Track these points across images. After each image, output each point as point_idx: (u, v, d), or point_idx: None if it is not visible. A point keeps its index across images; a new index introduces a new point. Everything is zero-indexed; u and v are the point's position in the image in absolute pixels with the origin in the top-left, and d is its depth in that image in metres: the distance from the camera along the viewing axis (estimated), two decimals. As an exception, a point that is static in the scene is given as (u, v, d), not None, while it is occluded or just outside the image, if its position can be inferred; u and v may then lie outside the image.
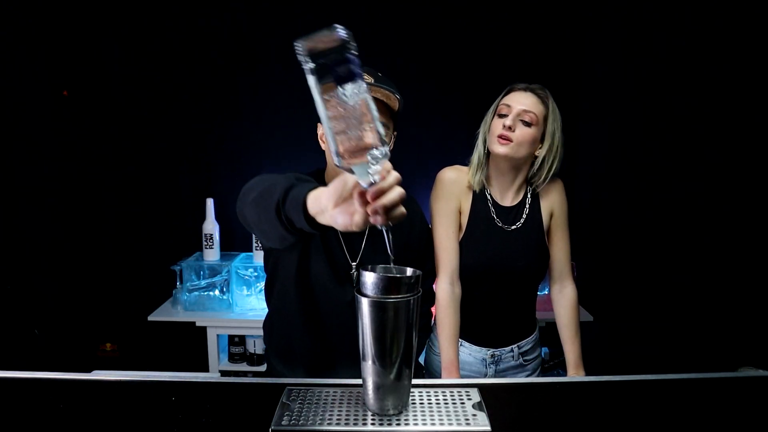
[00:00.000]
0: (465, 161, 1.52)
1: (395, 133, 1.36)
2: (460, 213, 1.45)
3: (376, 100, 1.24)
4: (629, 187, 2.51)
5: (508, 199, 1.46)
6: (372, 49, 2.63)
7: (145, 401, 1.02)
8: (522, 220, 1.45)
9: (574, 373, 1.46)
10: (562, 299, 1.51)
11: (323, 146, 1.36)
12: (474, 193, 1.46)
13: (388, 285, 0.89)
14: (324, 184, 1.32)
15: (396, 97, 1.28)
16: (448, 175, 1.46)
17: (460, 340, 1.47)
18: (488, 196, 1.45)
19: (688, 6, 2.15)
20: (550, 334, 1.90)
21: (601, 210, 2.67)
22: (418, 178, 2.74)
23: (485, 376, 1.47)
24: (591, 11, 2.62)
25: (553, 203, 1.49)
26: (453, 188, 1.44)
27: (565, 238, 1.51)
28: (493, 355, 1.46)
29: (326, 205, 0.81)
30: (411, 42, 2.67)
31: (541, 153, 1.39)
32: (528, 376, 1.52)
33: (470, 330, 1.47)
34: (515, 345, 1.48)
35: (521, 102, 1.36)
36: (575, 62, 2.67)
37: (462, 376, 1.47)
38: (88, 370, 1.20)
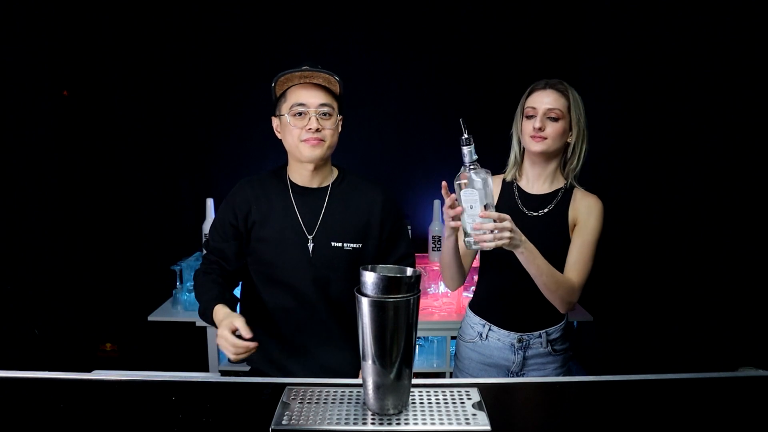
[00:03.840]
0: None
1: (341, 117, 1.47)
2: None
3: (317, 85, 1.41)
4: (629, 187, 2.51)
5: (537, 187, 1.53)
6: (371, 47, 2.65)
7: (145, 401, 1.02)
8: (547, 209, 1.50)
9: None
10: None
11: (279, 135, 1.48)
12: (504, 183, 1.56)
13: (388, 285, 0.89)
14: (285, 180, 1.50)
15: (335, 79, 1.41)
16: None
17: (488, 324, 1.53)
18: (515, 187, 1.54)
19: (688, 2, 2.15)
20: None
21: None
22: (417, 178, 2.75)
23: (513, 363, 1.50)
24: (589, 6, 2.62)
25: (582, 217, 1.46)
26: None
27: (580, 248, 1.46)
28: (521, 340, 1.49)
29: (212, 318, 1.35)
30: (410, 40, 2.67)
31: (571, 140, 1.48)
32: (558, 368, 1.52)
33: (497, 313, 1.52)
34: (543, 331, 1.50)
35: (544, 101, 1.44)
36: (573, 58, 2.67)
37: (490, 364, 1.51)
38: (88, 370, 1.20)
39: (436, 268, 2.51)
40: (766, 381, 1.13)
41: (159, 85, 2.69)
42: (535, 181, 1.53)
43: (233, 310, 1.40)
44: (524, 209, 1.51)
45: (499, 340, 1.51)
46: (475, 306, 1.59)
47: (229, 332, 1.22)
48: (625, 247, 2.53)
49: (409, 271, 0.94)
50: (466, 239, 1.24)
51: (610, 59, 2.59)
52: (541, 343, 1.50)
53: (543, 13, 2.64)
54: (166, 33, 2.65)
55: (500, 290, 1.52)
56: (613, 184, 2.60)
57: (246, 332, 1.22)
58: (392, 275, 0.91)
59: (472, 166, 1.20)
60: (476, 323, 1.55)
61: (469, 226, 1.22)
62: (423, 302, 2.37)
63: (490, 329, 1.52)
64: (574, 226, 1.49)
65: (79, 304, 2.64)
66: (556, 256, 1.46)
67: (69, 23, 2.54)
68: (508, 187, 1.56)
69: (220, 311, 1.32)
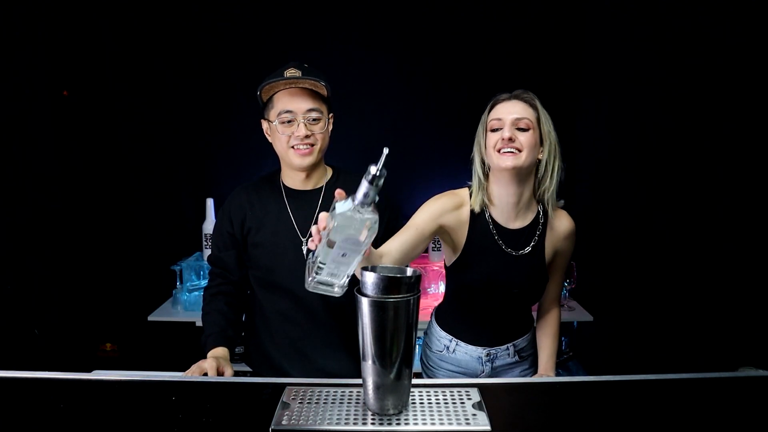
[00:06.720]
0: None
1: (331, 115, 1.47)
2: (442, 233, 1.39)
3: (304, 90, 1.39)
4: (629, 187, 2.51)
5: (512, 220, 1.39)
6: (372, 46, 2.65)
7: (145, 401, 1.02)
8: (529, 247, 1.39)
9: (543, 371, 1.47)
10: (546, 324, 1.53)
11: (269, 138, 1.47)
12: (472, 215, 1.38)
13: (388, 285, 0.89)
14: (279, 185, 1.49)
15: (321, 84, 1.39)
16: (439, 204, 1.38)
17: (455, 340, 1.47)
18: (489, 219, 1.38)
19: (689, 2, 2.15)
20: (563, 328, 1.89)
21: (601, 210, 2.67)
22: (417, 178, 2.75)
23: (481, 373, 1.47)
24: (590, 9, 2.62)
25: (560, 244, 1.44)
26: (439, 217, 1.36)
27: (562, 276, 1.52)
28: (489, 354, 1.46)
29: (207, 355, 1.33)
30: (411, 40, 2.67)
31: (543, 156, 1.34)
32: (525, 370, 1.52)
33: (466, 331, 1.47)
34: (511, 344, 1.48)
35: (511, 111, 1.31)
36: (574, 61, 2.67)
37: (458, 375, 1.48)
38: (88, 370, 1.20)
39: (437, 267, 2.51)
40: (766, 381, 1.13)
41: (159, 85, 2.69)
42: (512, 210, 1.37)
43: (237, 337, 1.43)
44: (503, 246, 1.38)
45: (467, 353, 1.47)
46: (441, 320, 1.53)
47: (212, 374, 1.22)
48: (625, 248, 2.53)
49: (409, 271, 0.94)
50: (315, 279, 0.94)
51: (612, 61, 2.59)
52: (509, 354, 1.47)
53: (544, 14, 2.64)
54: (166, 33, 2.65)
55: (467, 309, 1.46)
56: (614, 185, 2.60)
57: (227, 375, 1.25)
58: (392, 275, 0.90)
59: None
60: (443, 337, 1.50)
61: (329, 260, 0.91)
62: (423, 302, 2.37)
63: (457, 344, 1.48)
64: (553, 254, 1.44)
65: (79, 304, 2.64)
66: (531, 295, 1.45)
67: (69, 23, 2.54)
68: (480, 220, 1.38)
69: (217, 352, 1.33)
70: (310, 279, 0.94)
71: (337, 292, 0.95)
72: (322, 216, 0.92)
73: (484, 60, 2.66)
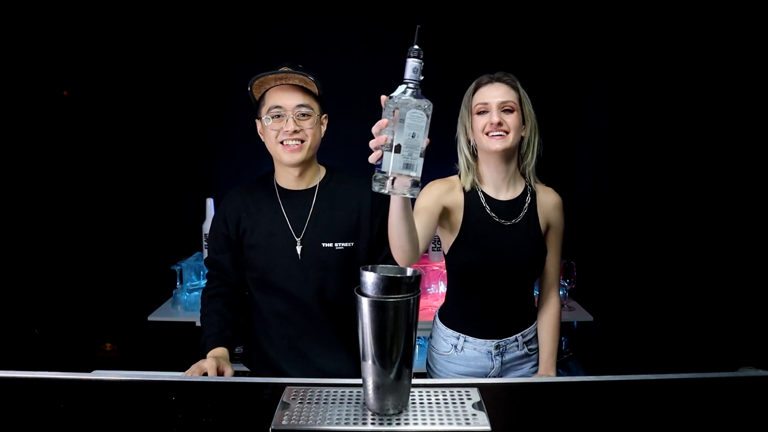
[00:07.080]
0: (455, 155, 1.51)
1: (325, 115, 1.48)
2: (441, 217, 1.42)
3: (294, 86, 1.40)
4: (629, 187, 2.51)
5: (503, 192, 1.45)
6: (371, 45, 2.65)
7: (145, 401, 1.02)
8: (521, 215, 1.44)
9: (543, 371, 1.48)
10: (547, 315, 1.53)
11: (263, 138, 1.47)
12: (464, 194, 1.44)
13: (388, 285, 0.89)
14: (273, 185, 1.49)
15: (310, 79, 1.39)
16: (436, 188, 1.44)
17: (463, 336, 1.47)
18: (480, 194, 1.44)
19: (689, 2, 2.15)
20: (563, 328, 1.89)
21: (601, 209, 2.67)
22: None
23: (492, 369, 1.47)
24: (590, 9, 2.62)
25: (551, 215, 1.48)
26: (440, 199, 1.41)
27: (558, 254, 1.53)
28: (498, 346, 1.46)
29: (206, 355, 1.33)
30: (408, 41, 2.66)
31: (525, 135, 1.42)
32: (534, 366, 1.52)
33: (473, 324, 1.47)
34: (519, 334, 1.48)
35: (495, 95, 1.37)
36: (574, 61, 2.67)
37: (469, 373, 1.48)
38: (88, 370, 1.20)
39: (437, 267, 2.51)
40: (766, 381, 1.13)
41: (159, 84, 2.69)
42: (501, 185, 1.44)
43: (236, 338, 1.43)
44: (496, 218, 1.42)
45: (476, 349, 1.47)
46: (446, 319, 1.52)
47: (212, 373, 1.23)
48: (625, 248, 2.53)
49: (409, 271, 0.95)
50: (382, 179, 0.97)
51: (612, 62, 2.59)
52: (518, 346, 1.48)
53: (544, 14, 2.63)
54: (166, 33, 2.65)
55: (471, 298, 1.47)
56: (614, 185, 2.60)
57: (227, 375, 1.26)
58: (392, 275, 0.91)
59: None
60: (449, 336, 1.49)
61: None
62: (423, 302, 2.37)
63: (465, 340, 1.47)
64: (546, 228, 1.48)
65: (79, 304, 2.64)
66: (530, 266, 1.46)
67: (69, 23, 2.54)
68: (472, 197, 1.44)
69: (217, 352, 1.34)
70: (387, 186, 0.96)
71: (414, 191, 0.98)
72: (376, 125, 0.97)
73: (485, 60, 2.65)
